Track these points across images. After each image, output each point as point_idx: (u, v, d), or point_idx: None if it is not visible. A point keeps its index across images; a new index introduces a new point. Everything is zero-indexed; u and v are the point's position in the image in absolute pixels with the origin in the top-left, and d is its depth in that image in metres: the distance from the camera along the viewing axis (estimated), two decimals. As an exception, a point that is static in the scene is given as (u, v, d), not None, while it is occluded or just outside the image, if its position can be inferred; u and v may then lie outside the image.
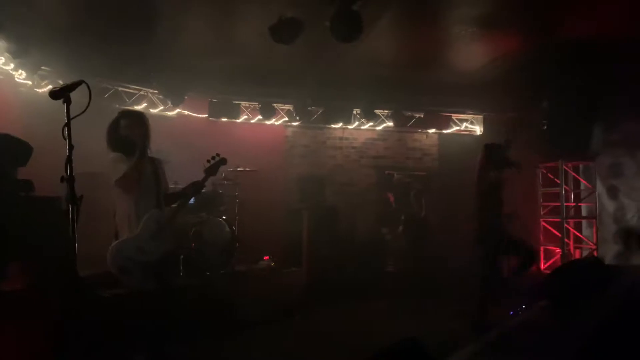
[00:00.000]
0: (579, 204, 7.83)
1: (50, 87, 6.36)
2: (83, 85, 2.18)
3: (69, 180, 1.94)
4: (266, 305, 5.87)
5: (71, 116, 2.08)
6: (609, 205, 7.59)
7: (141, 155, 3.35)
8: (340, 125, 8.60)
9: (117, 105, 7.35)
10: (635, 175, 7.50)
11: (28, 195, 3.99)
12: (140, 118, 3.52)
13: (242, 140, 7.90)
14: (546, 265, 7.84)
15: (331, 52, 6.56)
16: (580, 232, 7.79)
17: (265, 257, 7.20)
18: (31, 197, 3.99)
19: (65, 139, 2.03)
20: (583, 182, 7.80)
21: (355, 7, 5.12)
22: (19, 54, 5.62)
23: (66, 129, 2.04)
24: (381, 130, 8.84)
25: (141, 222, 3.31)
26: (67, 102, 2.11)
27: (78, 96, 2.19)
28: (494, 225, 5.18)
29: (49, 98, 2.13)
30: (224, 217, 6.54)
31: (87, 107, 2.10)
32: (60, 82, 6.40)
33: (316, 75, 7.60)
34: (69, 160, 1.98)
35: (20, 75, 6.17)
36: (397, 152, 9.00)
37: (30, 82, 6.29)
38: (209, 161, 3.69)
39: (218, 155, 3.71)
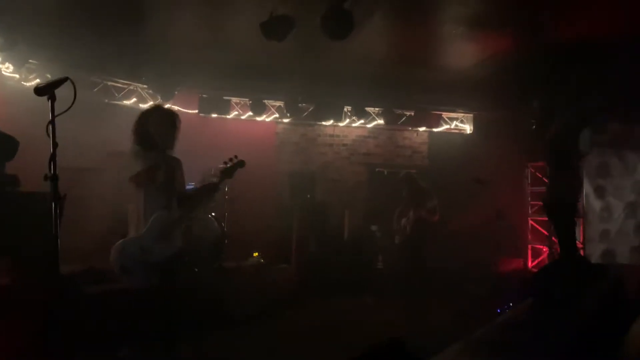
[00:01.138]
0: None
1: (38, 80, 6.34)
2: (75, 81, 2.16)
3: (53, 178, 1.92)
4: (255, 302, 5.88)
5: (55, 114, 2.06)
6: (596, 205, 7.67)
7: (161, 154, 3.30)
8: (331, 122, 8.59)
9: (105, 100, 7.31)
10: (622, 176, 7.60)
11: (13, 191, 3.95)
12: (172, 117, 3.43)
13: (232, 136, 7.87)
14: (534, 264, 7.93)
15: (322, 49, 6.54)
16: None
17: (255, 254, 7.20)
18: (16, 192, 3.96)
19: (49, 137, 2.00)
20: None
21: (346, 5, 5.12)
22: (5, 47, 5.56)
23: (50, 126, 2.01)
24: (372, 127, 8.86)
25: (148, 222, 3.24)
26: (52, 99, 2.09)
27: (66, 91, 2.17)
28: None
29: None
30: (213, 214, 6.52)
31: (72, 105, 2.08)
32: (48, 75, 6.35)
33: (307, 72, 7.59)
34: (52, 158, 1.96)
35: (8, 69, 6.10)
36: (387, 149, 9.02)
37: (17, 76, 6.21)
38: (225, 163, 3.54)
39: (236, 157, 3.57)
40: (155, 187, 3.28)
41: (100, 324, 3.89)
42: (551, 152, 5.25)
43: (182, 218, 3.48)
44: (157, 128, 3.33)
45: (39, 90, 2.13)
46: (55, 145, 1.99)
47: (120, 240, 3.22)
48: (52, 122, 2.02)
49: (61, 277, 1.97)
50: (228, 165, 3.53)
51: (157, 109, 3.52)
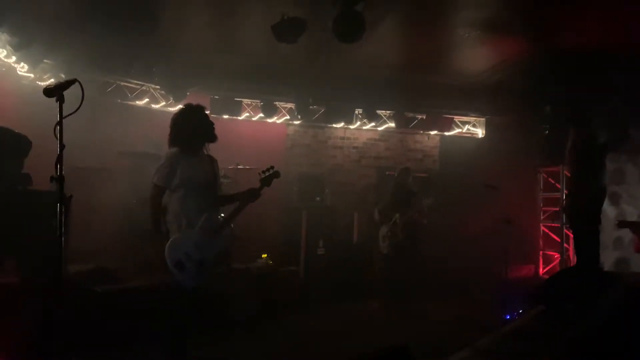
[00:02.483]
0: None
1: (52, 80, 6.42)
2: (88, 81, 2.19)
3: (59, 179, 1.94)
4: (262, 304, 5.88)
5: (64, 115, 2.08)
6: (610, 212, 7.55)
7: (199, 153, 3.38)
8: (341, 124, 8.58)
9: (119, 100, 7.37)
10: (636, 182, 7.48)
11: (25, 189, 3.99)
12: (207, 116, 3.53)
13: (243, 137, 7.89)
14: (545, 270, 7.82)
15: (334, 51, 6.54)
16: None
17: (263, 255, 7.20)
18: (28, 190, 4.00)
19: (56, 138, 2.02)
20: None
21: (358, 8, 5.11)
22: (20, 47, 5.62)
23: (57, 128, 2.03)
24: (383, 130, 8.82)
25: (196, 220, 3.31)
26: (61, 100, 2.11)
27: (78, 90, 2.19)
28: None
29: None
30: (222, 215, 6.53)
31: (79, 107, 2.10)
32: (62, 75, 6.40)
33: (318, 74, 7.59)
34: (59, 159, 1.98)
35: (23, 69, 6.18)
36: (398, 153, 8.97)
37: (32, 75, 6.29)
38: (264, 172, 3.71)
39: (272, 167, 3.72)
40: (205, 186, 3.39)
41: (109, 323, 3.91)
42: (573, 159, 5.16)
43: (231, 218, 3.60)
44: (199, 127, 3.41)
45: (47, 92, 2.15)
46: (62, 147, 2.01)
47: (174, 237, 3.28)
48: (59, 123, 2.04)
49: (63, 280, 1.97)
50: (266, 175, 3.69)
51: (196, 108, 3.57)
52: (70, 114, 2.06)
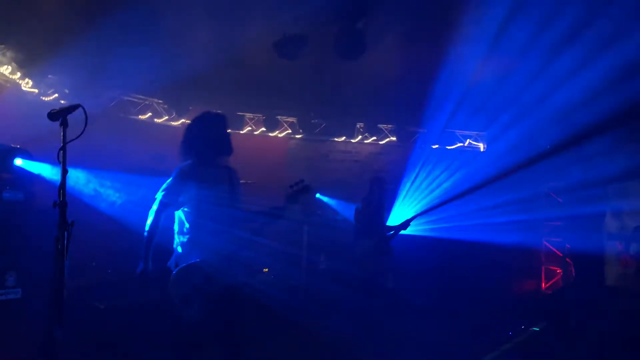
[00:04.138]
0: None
1: (56, 95, 6.48)
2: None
3: (61, 205, 1.95)
4: (264, 319, 5.85)
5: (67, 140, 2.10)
6: (612, 227, 7.53)
7: (215, 165, 3.04)
8: (343, 138, 8.61)
9: (121, 115, 7.42)
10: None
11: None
12: (224, 126, 3.19)
13: (245, 151, 7.89)
14: (547, 285, 7.78)
15: (335, 67, 6.59)
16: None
17: (265, 269, 7.19)
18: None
19: (60, 163, 2.04)
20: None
21: (359, 25, 5.17)
22: (25, 63, 5.69)
23: (61, 153, 2.05)
24: (384, 144, 8.85)
25: (212, 245, 2.86)
26: (64, 125, 2.13)
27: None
28: None
29: (56, 107, 2.17)
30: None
31: (83, 132, 2.12)
32: (66, 90, 6.48)
33: (320, 89, 7.63)
34: (62, 185, 1.99)
35: (27, 84, 6.24)
36: (400, 166, 8.98)
37: (36, 91, 6.35)
38: (291, 186, 3.16)
39: (302, 180, 3.17)
40: (220, 203, 2.95)
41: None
42: None
43: (252, 240, 3.12)
44: (214, 137, 3.05)
45: (52, 116, 2.17)
46: (65, 172, 2.02)
47: (181, 266, 2.86)
48: (63, 148, 2.05)
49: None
50: (293, 189, 3.16)
51: (212, 117, 3.22)
52: (74, 139, 2.08)
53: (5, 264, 3.95)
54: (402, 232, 6.21)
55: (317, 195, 6.78)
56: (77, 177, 5.79)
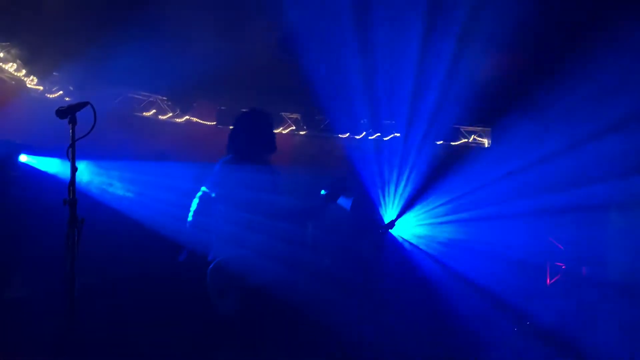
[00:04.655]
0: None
1: (60, 92, 6.49)
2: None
3: (71, 203, 1.95)
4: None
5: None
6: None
7: (258, 163, 3.07)
8: (347, 134, 8.60)
9: (126, 111, 7.42)
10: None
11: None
12: (268, 124, 3.27)
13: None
14: (552, 281, 7.76)
15: (339, 62, 6.59)
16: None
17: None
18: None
19: (69, 160, 2.04)
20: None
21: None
22: (30, 61, 5.69)
23: (70, 150, 2.05)
24: (389, 140, 8.82)
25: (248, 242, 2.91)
26: (73, 122, 2.13)
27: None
28: None
29: (60, 103, 2.17)
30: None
31: (92, 129, 2.12)
32: (71, 88, 6.49)
33: (323, 85, 7.61)
34: (72, 183, 1.99)
35: (32, 82, 6.24)
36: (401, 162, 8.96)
37: (41, 88, 6.36)
38: (332, 184, 3.27)
39: (343, 178, 3.35)
40: (257, 201, 3.00)
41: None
42: None
43: (294, 237, 3.21)
44: (257, 134, 3.12)
45: (60, 113, 2.17)
46: (74, 169, 2.02)
47: (218, 259, 2.90)
48: (72, 145, 2.06)
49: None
50: (333, 187, 3.25)
51: (256, 114, 3.28)
52: (83, 137, 2.08)
53: (11, 262, 3.96)
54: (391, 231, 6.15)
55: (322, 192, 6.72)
56: (82, 171, 5.79)
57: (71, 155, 2.03)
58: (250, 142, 3.16)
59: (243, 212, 2.98)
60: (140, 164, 6.07)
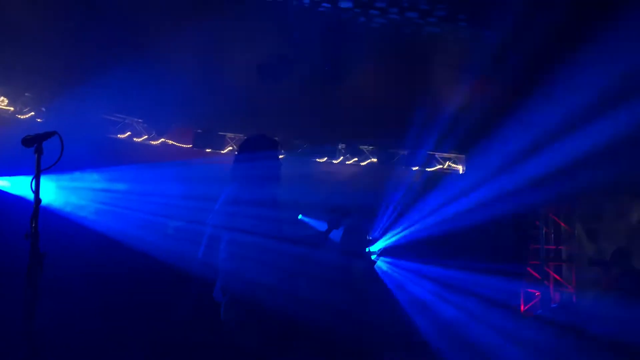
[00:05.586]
0: (559, 247, 7.89)
1: (32, 113, 6.35)
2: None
3: (33, 237, 1.87)
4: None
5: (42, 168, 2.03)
6: (589, 248, 7.66)
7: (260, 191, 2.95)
8: (325, 159, 8.63)
9: (100, 133, 7.29)
10: (615, 219, 7.60)
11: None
12: (273, 150, 3.13)
13: (226, 171, 7.84)
14: (526, 308, 7.83)
15: (317, 88, 6.63)
16: (560, 275, 7.82)
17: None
18: None
19: (32, 192, 1.96)
20: (563, 225, 7.88)
21: (342, 49, 5.23)
22: (1, 81, 5.57)
23: (34, 181, 1.97)
24: (366, 165, 8.88)
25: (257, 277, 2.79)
26: (39, 152, 2.06)
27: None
28: None
29: (30, 126, 2.11)
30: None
31: (58, 159, 2.05)
32: (43, 109, 6.36)
33: (302, 109, 7.65)
34: (34, 215, 1.91)
35: (3, 102, 6.10)
36: (381, 187, 9.00)
37: (12, 109, 6.21)
38: (333, 211, 3.29)
39: (342, 206, 3.31)
40: (261, 233, 2.87)
41: None
42: None
43: (298, 267, 3.10)
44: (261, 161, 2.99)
45: (26, 142, 2.10)
46: (38, 201, 1.95)
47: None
48: (37, 176, 1.98)
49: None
50: (336, 215, 3.26)
51: (260, 140, 3.16)
52: (49, 167, 2.01)
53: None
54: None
55: (300, 216, 6.71)
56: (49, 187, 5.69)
57: (36, 186, 1.96)
58: (253, 170, 3.05)
59: (248, 248, 2.89)
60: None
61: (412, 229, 7.20)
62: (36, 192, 1.96)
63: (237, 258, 2.87)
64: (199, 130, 7.99)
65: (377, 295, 6.24)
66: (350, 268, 6.00)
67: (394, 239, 7.06)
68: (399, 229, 7.35)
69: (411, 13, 5.31)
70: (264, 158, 3.08)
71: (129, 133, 7.56)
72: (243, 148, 3.22)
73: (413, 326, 6.40)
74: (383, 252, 6.09)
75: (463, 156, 9.00)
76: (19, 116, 6.25)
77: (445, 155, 8.98)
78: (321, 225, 8.17)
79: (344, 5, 5.02)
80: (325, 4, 5.05)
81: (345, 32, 5.35)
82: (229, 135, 8.27)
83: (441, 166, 8.98)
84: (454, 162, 9.05)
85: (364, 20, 5.39)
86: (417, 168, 8.95)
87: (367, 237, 6.42)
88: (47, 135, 2.11)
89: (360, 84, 6.52)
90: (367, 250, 6.36)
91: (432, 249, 6.96)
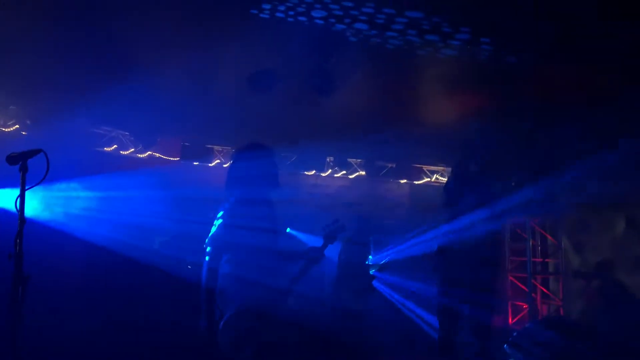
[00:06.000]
0: (546, 260, 7.93)
1: (17, 126, 6.26)
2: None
3: (17, 257, 1.82)
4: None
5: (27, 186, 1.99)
6: (575, 261, 7.70)
7: (257, 203, 2.90)
8: (313, 172, 8.62)
9: (87, 147, 7.21)
10: (601, 231, 7.67)
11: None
12: (269, 158, 3.11)
13: (213, 184, 7.79)
14: (514, 321, 7.84)
15: (306, 101, 6.63)
16: (547, 287, 7.85)
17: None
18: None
19: (17, 211, 1.92)
20: (549, 238, 7.93)
21: (330, 62, 5.24)
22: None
23: (19, 200, 1.93)
24: (354, 178, 8.89)
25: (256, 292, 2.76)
26: (24, 170, 2.02)
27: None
28: None
29: (15, 139, 2.07)
30: (189, 267, 6.36)
31: (44, 178, 2.01)
32: (28, 122, 6.28)
33: (290, 122, 7.65)
34: (19, 235, 1.86)
35: (-14, 115, 6.02)
36: (370, 200, 9.01)
37: (-4, 122, 6.13)
38: (328, 225, 3.24)
39: (338, 220, 3.28)
40: (260, 246, 2.86)
41: None
42: None
43: (294, 282, 3.03)
44: (259, 170, 2.96)
45: (10, 160, 2.06)
46: (22, 221, 1.90)
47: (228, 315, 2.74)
48: (21, 195, 1.94)
49: None
50: (330, 228, 3.23)
51: (256, 147, 3.15)
52: (34, 186, 1.97)
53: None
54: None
55: (288, 229, 6.68)
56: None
57: (20, 205, 1.91)
58: (250, 181, 2.99)
59: (247, 265, 2.87)
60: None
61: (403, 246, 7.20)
62: (20, 211, 1.92)
63: (234, 279, 2.85)
64: (186, 143, 7.94)
65: (376, 306, 6.25)
66: (348, 285, 5.99)
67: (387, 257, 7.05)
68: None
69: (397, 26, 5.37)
70: (260, 163, 3.07)
71: (115, 146, 7.48)
72: (238, 156, 3.25)
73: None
74: (382, 268, 6.08)
75: (450, 169, 9.05)
76: (4, 129, 6.16)
77: (433, 168, 9.03)
78: (311, 239, 8.17)
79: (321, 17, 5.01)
80: (318, 20, 5.06)
81: (333, 45, 5.36)
82: (217, 147, 8.23)
83: (429, 179, 9.02)
84: (442, 175, 9.10)
85: (354, 36, 5.43)
86: (405, 181, 8.99)
87: (367, 252, 6.43)
88: (33, 153, 2.07)
89: (349, 98, 6.55)
90: (366, 263, 6.37)
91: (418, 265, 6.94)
